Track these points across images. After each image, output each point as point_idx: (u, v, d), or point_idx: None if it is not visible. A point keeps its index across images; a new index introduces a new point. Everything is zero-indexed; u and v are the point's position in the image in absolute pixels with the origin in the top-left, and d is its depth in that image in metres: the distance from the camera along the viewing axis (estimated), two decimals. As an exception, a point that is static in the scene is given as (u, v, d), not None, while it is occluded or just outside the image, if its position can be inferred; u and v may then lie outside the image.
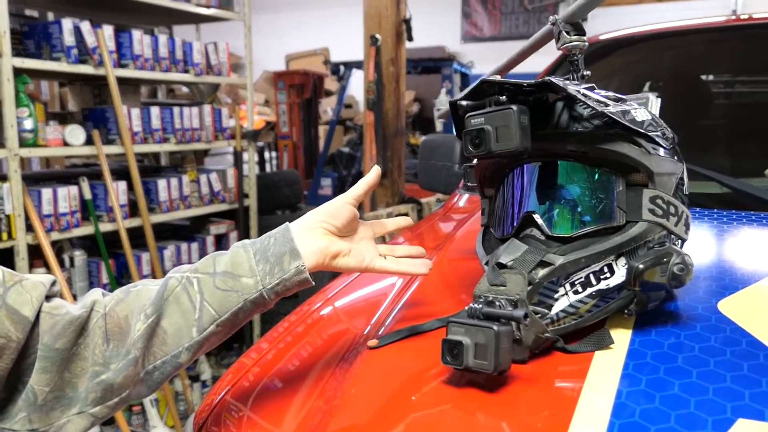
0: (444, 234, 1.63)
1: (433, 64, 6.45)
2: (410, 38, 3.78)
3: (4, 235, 2.24)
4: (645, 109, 0.83)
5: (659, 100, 0.95)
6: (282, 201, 3.80)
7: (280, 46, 9.26)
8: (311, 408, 0.89)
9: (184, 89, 5.38)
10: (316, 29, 9.71)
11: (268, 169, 6.87)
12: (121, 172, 2.80)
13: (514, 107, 0.74)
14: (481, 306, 0.72)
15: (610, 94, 0.83)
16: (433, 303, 1.09)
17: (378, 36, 3.63)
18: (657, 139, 0.80)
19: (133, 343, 0.71)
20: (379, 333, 0.94)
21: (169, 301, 0.74)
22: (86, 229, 2.56)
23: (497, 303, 0.73)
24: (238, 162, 3.31)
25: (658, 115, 0.86)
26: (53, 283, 0.73)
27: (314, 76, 6.54)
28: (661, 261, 0.75)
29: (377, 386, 0.83)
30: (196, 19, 3.40)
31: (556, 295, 0.76)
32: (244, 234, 3.36)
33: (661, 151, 0.80)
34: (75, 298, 2.52)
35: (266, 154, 7.01)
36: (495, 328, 0.68)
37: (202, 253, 3.13)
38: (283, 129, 6.56)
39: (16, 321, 0.66)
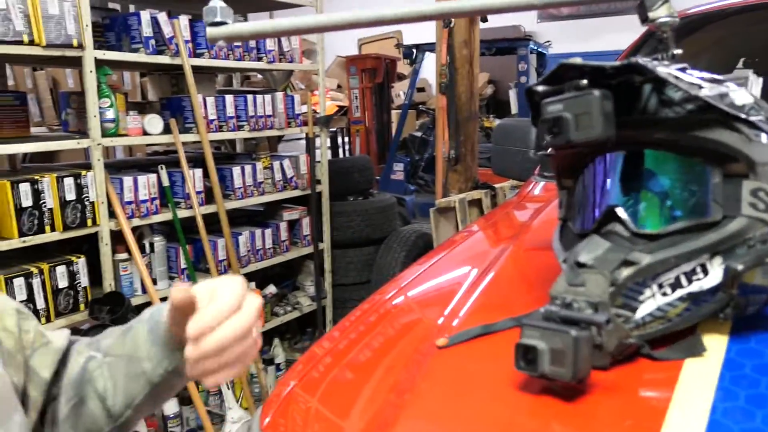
0: (519, 223, 1.57)
1: (508, 45, 6.28)
2: (484, 19, 3.67)
3: (89, 222, 2.33)
4: (745, 90, 0.74)
5: (761, 79, 0.86)
6: (354, 187, 3.80)
7: (351, 31, 9.26)
8: (381, 402, 0.87)
9: (259, 76, 5.47)
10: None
11: (341, 154, 6.91)
12: (197, 160, 2.86)
13: (596, 92, 0.68)
14: (558, 308, 0.67)
15: (705, 74, 0.75)
16: (507, 298, 1.04)
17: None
18: (760, 124, 0.71)
19: (64, 419, 0.71)
20: (453, 324, 0.90)
21: (88, 386, 0.71)
22: (165, 216, 2.64)
23: (576, 305, 0.67)
24: (310, 148, 3.32)
25: (759, 97, 0.78)
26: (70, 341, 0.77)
27: (386, 60, 6.50)
28: (763, 261, 0.68)
29: (449, 386, 0.80)
30: (270, 6, 3.42)
31: (641, 297, 0.70)
32: (317, 219, 3.38)
33: (764, 138, 0.71)
34: (155, 282, 2.61)
35: (339, 140, 7.05)
36: (573, 333, 0.63)
37: (276, 238, 3.17)
38: (355, 114, 6.57)
39: (36, 382, 0.70)
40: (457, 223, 3.18)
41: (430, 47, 5.70)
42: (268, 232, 3.14)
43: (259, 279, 3.21)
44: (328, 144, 6.64)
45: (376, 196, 3.95)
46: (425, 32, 5.11)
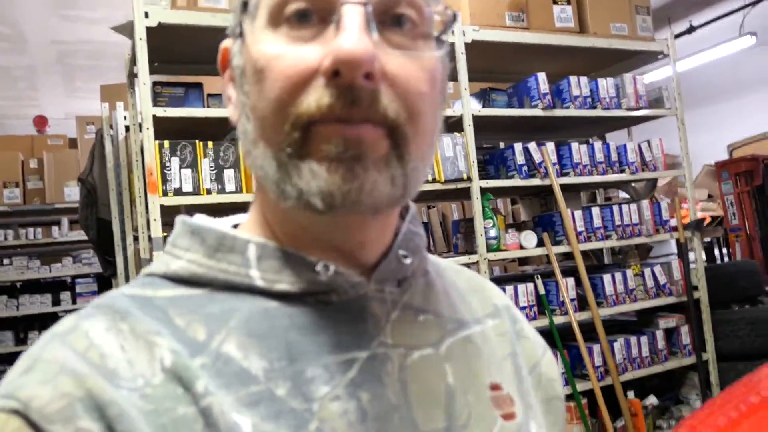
0: None
1: None
2: None
3: (479, 326, 2.69)
4: None
5: None
6: (738, 293, 3.52)
7: (719, 139, 8.72)
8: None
9: (622, 194, 5.55)
10: (760, 112, 8.85)
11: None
12: (568, 271, 3.07)
13: None
14: None
15: None
16: None
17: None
18: None
19: None
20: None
21: None
22: (541, 322, 2.87)
23: None
24: (682, 254, 3.26)
25: None
26: None
27: (764, 160, 5.96)
28: None
29: None
30: (627, 123, 3.59)
31: None
32: (697, 328, 3.22)
33: None
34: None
35: (716, 251, 6.54)
36: None
37: (652, 347, 3.12)
38: (732, 221, 6.08)
39: None
40: None
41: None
42: (644, 339, 3.11)
43: (636, 388, 3.15)
44: (703, 255, 6.23)
45: (767, 304, 3.57)
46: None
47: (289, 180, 0.44)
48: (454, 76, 2.76)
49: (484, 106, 3.05)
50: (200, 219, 0.52)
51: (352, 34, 0.41)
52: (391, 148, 0.44)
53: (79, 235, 4.91)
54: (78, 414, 0.38)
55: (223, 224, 0.52)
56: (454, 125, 2.78)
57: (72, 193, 4.90)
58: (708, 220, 6.84)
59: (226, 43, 0.53)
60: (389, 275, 0.50)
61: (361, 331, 0.48)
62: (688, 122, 3.34)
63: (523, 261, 4.75)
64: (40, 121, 6.64)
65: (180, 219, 0.52)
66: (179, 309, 0.46)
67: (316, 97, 0.42)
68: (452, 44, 2.75)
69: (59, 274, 5.45)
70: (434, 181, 2.65)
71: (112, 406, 0.39)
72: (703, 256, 4.18)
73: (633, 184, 4.12)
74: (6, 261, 5.42)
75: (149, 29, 2.17)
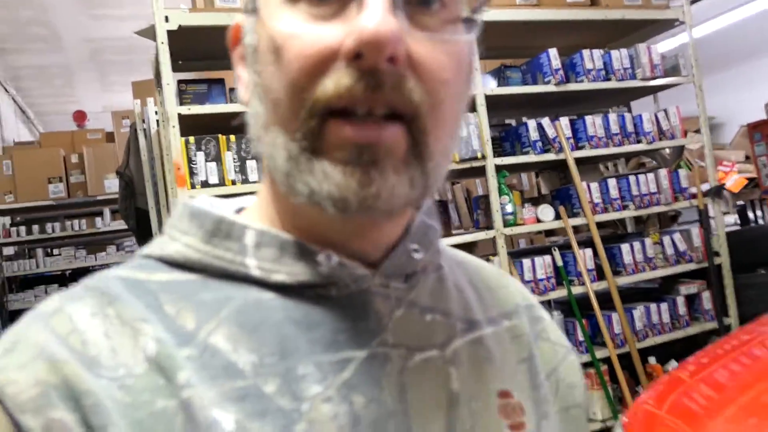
0: None
1: None
2: None
3: (498, 299, 2.80)
4: None
5: None
6: (762, 257, 3.53)
7: (757, 98, 8.51)
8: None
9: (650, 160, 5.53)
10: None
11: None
12: (588, 241, 3.14)
13: None
14: None
15: None
16: None
17: None
18: None
19: None
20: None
21: None
22: (560, 293, 2.96)
23: None
24: (703, 220, 3.29)
25: None
26: None
27: (799, 119, 5.84)
28: None
29: None
30: (644, 92, 3.60)
31: None
32: (719, 293, 3.26)
33: None
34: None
35: (750, 214, 6.46)
36: None
37: (674, 313, 3.18)
38: (766, 183, 5.99)
39: None
40: None
41: None
42: (664, 306, 3.17)
43: (659, 354, 3.22)
44: (736, 218, 6.16)
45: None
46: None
47: (300, 176, 0.41)
48: (464, 58, 2.83)
49: (499, 84, 3.11)
50: (202, 201, 0.50)
51: (376, 13, 0.38)
52: (410, 146, 0.41)
53: (120, 224, 5.16)
54: (52, 403, 0.37)
55: (225, 208, 0.50)
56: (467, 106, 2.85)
57: (112, 185, 5.13)
58: (745, 182, 6.74)
59: (238, 20, 0.50)
60: (397, 270, 0.47)
61: (361, 329, 0.45)
62: (723, 82, 3.33)
63: (549, 233, 4.81)
64: (79, 116, 6.91)
65: (181, 201, 0.50)
66: (171, 295, 0.45)
67: (335, 79, 0.39)
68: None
69: (105, 262, 5.75)
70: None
71: (89, 395, 0.38)
72: (726, 221, 4.19)
73: (660, 152, 4.13)
74: (55, 252, 5.74)
75: (170, 32, 2.31)
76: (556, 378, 0.56)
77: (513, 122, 3.80)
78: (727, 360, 1.30)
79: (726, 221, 4.61)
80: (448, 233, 3.04)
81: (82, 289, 0.45)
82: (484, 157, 2.82)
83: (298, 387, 0.42)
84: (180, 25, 2.33)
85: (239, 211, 0.52)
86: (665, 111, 3.31)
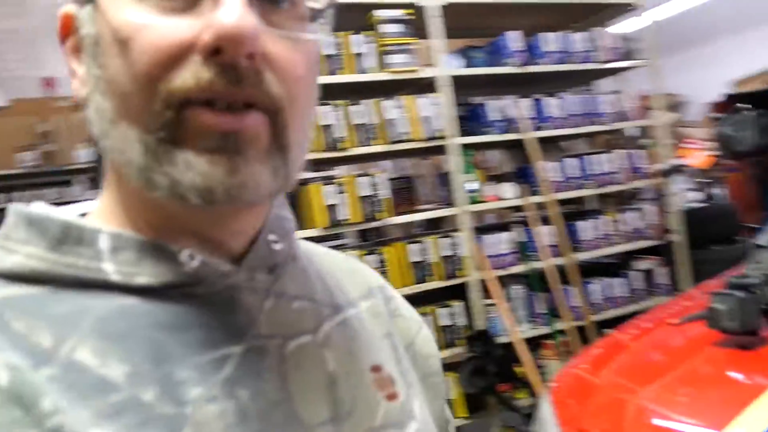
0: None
1: None
2: None
3: (460, 272, 2.91)
4: None
5: None
6: (716, 234, 3.69)
7: (726, 76, 8.64)
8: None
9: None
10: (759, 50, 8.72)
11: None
12: (548, 219, 3.26)
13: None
14: (738, 279, 0.86)
15: None
16: None
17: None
18: None
19: None
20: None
21: None
22: (522, 267, 3.08)
23: (752, 277, 0.85)
24: (659, 199, 3.42)
25: None
26: None
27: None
28: None
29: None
30: (602, 74, 3.70)
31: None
32: (673, 269, 3.40)
33: None
34: (518, 323, 3.03)
35: (718, 191, 6.65)
36: (740, 295, 0.82)
37: (629, 287, 3.32)
38: (721, 162, 6.16)
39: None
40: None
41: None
42: (622, 281, 3.31)
43: (617, 327, 3.37)
44: (700, 195, 6.33)
45: (740, 242, 3.74)
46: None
47: (159, 168, 0.40)
48: (425, 37, 2.91)
49: (466, 65, 3.18)
50: (39, 207, 0.46)
51: (234, 9, 0.38)
52: (272, 137, 0.41)
53: (93, 194, 5.16)
54: None
55: (67, 213, 0.47)
56: (429, 86, 2.93)
57: (83, 155, 5.14)
58: (712, 160, 6.90)
59: (66, 9, 0.46)
60: (260, 262, 0.47)
61: (234, 324, 0.44)
62: (688, 62, 3.41)
63: (517, 210, 4.92)
64: (49, 83, 6.80)
65: (13, 208, 0.45)
66: (16, 311, 0.40)
67: (194, 73, 0.38)
68: (422, 7, 2.89)
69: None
70: (410, 140, 2.83)
71: None
72: (692, 198, 4.33)
73: (623, 131, 4.24)
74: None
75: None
76: (413, 350, 0.59)
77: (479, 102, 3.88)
78: (664, 327, 1.42)
79: (692, 198, 4.76)
80: (412, 209, 3.13)
81: None
82: (443, 138, 2.90)
83: (178, 391, 0.40)
84: None
85: (82, 216, 0.48)
86: (623, 92, 3.41)
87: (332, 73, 2.71)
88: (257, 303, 0.46)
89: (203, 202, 0.40)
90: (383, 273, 2.69)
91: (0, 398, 0.36)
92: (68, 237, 0.43)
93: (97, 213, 0.48)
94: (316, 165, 2.97)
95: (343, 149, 2.71)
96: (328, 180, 2.67)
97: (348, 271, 0.59)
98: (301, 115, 0.43)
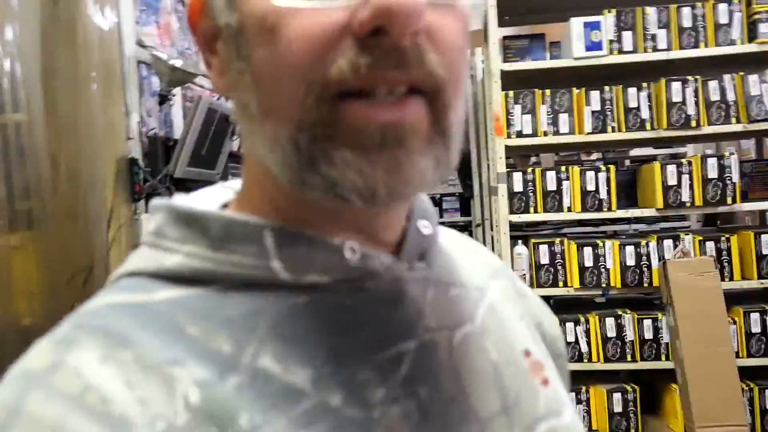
0: None
1: None
2: None
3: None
4: None
5: None
6: None
7: None
8: None
9: None
10: None
11: None
12: None
13: None
14: None
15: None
16: None
17: None
18: None
19: None
20: None
21: None
22: None
23: None
24: None
25: None
26: None
27: None
28: None
29: None
30: None
31: None
32: None
33: None
34: None
35: None
36: None
37: None
38: None
39: None
40: None
41: None
42: None
43: None
44: None
45: None
46: None
47: (314, 167, 0.36)
48: None
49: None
50: (186, 201, 0.43)
51: None
52: (433, 122, 0.37)
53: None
54: None
55: (209, 204, 0.45)
56: None
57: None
58: None
59: None
60: (415, 250, 0.44)
61: (403, 319, 0.42)
62: None
63: None
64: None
65: (160, 204, 0.43)
66: (188, 313, 0.38)
67: (350, 59, 0.34)
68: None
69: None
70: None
71: None
72: None
73: None
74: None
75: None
76: (543, 330, 0.55)
77: None
78: None
79: None
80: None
81: (71, 329, 0.36)
82: None
83: (363, 394, 0.38)
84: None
85: (224, 207, 0.46)
86: None
87: (693, 46, 2.57)
88: (421, 294, 0.43)
89: (365, 203, 0.36)
90: (724, 264, 2.54)
91: (194, 419, 0.33)
92: (232, 234, 0.40)
93: (242, 205, 0.44)
94: (662, 143, 2.89)
95: (694, 127, 2.59)
96: (673, 158, 2.58)
97: (472, 251, 0.55)
98: (460, 92, 0.39)
